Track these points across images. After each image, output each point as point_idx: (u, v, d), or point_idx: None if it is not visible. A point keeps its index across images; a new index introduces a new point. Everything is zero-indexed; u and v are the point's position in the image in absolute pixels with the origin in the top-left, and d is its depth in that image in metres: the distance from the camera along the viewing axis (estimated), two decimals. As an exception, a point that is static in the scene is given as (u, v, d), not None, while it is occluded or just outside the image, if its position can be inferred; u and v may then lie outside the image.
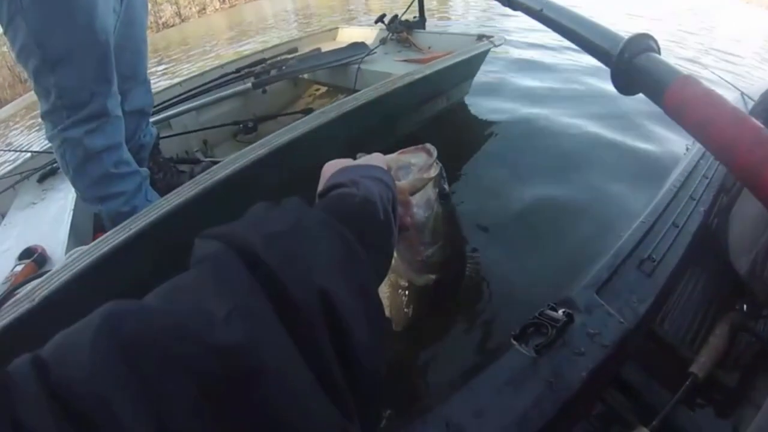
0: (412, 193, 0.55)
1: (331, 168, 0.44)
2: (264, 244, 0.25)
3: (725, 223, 0.93)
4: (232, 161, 1.07)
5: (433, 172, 0.57)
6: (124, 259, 0.92)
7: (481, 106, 2.22)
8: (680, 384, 0.69)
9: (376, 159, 0.47)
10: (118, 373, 0.19)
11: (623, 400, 0.69)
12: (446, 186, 0.63)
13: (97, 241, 0.89)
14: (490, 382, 0.59)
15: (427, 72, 1.57)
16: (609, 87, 0.44)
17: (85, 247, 0.88)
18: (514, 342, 0.66)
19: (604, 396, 0.68)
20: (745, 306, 0.80)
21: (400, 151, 0.59)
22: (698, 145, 1.20)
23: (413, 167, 0.57)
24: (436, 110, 1.98)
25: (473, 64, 1.98)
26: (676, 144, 1.77)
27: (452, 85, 2.01)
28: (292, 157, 1.21)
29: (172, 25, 12.37)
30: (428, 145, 0.60)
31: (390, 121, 1.65)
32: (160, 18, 12.70)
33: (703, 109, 0.36)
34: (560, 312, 0.70)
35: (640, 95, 0.43)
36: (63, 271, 0.84)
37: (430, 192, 0.58)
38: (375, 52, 2.13)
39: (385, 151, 0.53)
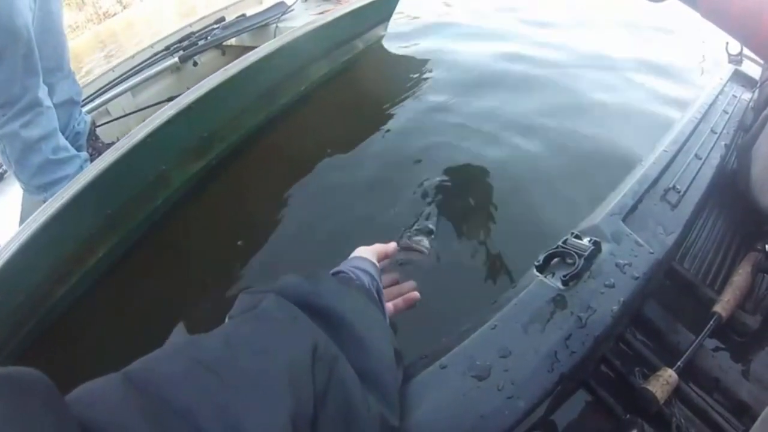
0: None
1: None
2: (350, 312, 0.40)
3: (747, 160, 0.85)
4: (146, 124, 1.16)
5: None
6: (67, 220, 1.00)
7: (406, 46, 2.20)
8: (702, 324, 0.62)
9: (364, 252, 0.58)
10: None
11: (644, 339, 0.61)
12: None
13: (40, 209, 0.96)
14: (515, 318, 0.48)
15: (328, 19, 1.61)
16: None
17: (31, 217, 0.96)
18: (538, 274, 0.55)
19: (625, 335, 0.60)
20: (767, 246, 0.73)
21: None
22: (716, 79, 1.10)
23: None
24: (352, 53, 2.03)
25: (384, 7, 2.02)
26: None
27: (365, 29, 2.04)
28: (203, 115, 1.31)
29: (114, 14, 11.48)
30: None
31: (301, 67, 1.73)
32: (100, 8, 11.77)
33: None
34: (586, 240, 0.59)
35: None
36: (12, 242, 0.91)
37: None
38: (293, 9, 2.15)
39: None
